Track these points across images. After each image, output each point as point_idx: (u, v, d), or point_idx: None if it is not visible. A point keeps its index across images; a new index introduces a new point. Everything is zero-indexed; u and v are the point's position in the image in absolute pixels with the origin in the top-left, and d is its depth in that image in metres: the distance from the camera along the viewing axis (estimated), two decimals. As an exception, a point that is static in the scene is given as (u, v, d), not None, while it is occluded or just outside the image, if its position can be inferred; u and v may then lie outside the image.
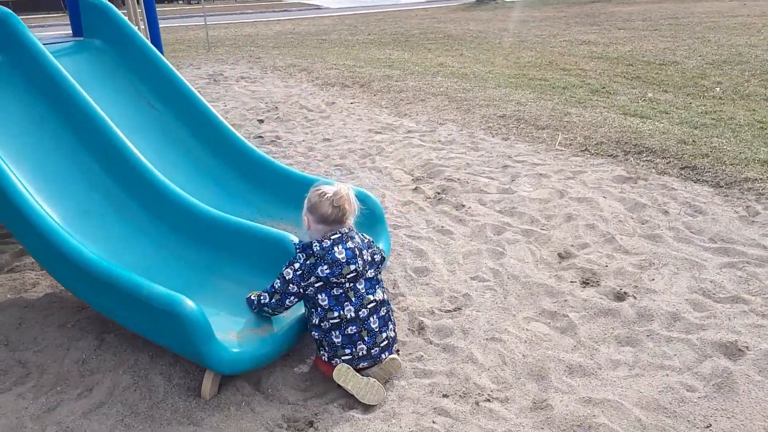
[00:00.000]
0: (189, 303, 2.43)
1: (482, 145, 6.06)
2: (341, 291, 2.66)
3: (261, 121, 7.40)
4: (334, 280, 2.64)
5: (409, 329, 3.15)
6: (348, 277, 2.66)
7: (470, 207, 4.58)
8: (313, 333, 2.72)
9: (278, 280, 2.68)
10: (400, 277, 3.64)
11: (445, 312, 3.29)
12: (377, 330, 2.71)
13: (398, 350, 2.93)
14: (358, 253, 2.71)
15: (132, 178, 3.34)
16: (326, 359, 2.70)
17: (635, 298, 3.28)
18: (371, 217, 3.48)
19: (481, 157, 5.73)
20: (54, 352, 2.96)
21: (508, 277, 3.57)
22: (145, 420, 2.51)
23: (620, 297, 3.30)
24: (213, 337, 2.46)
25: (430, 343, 3.03)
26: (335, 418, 2.52)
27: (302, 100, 8.36)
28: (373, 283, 2.77)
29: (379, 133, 6.68)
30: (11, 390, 2.72)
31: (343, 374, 2.63)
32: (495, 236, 4.10)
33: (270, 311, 2.75)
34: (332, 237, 2.69)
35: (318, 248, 2.66)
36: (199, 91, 9.31)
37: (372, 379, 2.63)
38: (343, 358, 2.66)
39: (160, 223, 3.30)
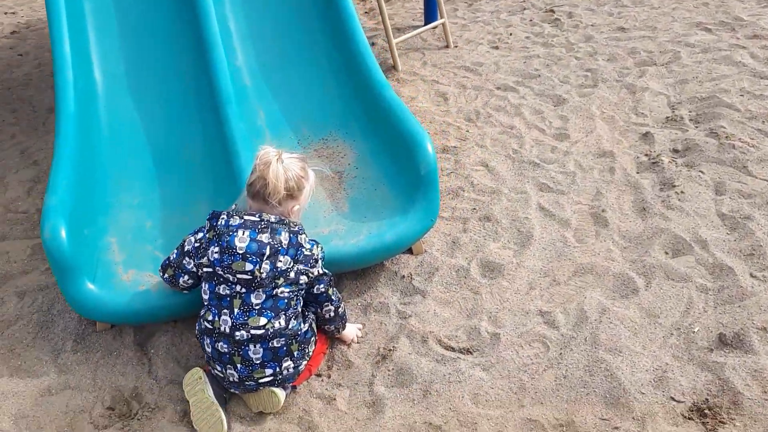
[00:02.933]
0: (55, 230, 2.11)
1: None
2: (228, 292, 1.94)
3: (578, -11, 5.86)
4: (220, 272, 1.94)
5: (371, 353, 2.23)
6: (239, 277, 1.92)
7: (684, 192, 2.85)
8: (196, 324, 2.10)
9: (176, 250, 2.08)
10: (451, 267, 2.56)
11: (444, 348, 2.22)
12: (258, 363, 1.96)
13: (295, 385, 2.11)
14: (268, 253, 1.91)
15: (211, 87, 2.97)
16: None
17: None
18: (413, 173, 2.45)
19: (822, 106, 3.43)
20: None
21: (588, 341, 2.16)
22: (40, 326, 2.41)
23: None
24: (70, 274, 2.12)
25: (370, 384, 2.11)
26: (157, 422, 2.01)
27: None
28: (280, 306, 1.95)
29: (708, 31, 4.57)
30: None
31: (192, 384, 2.03)
32: (661, 258, 2.49)
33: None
34: (246, 216, 1.95)
35: (223, 223, 1.96)
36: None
37: (216, 408, 1.97)
38: (214, 371, 2.03)
39: (213, 134, 2.90)
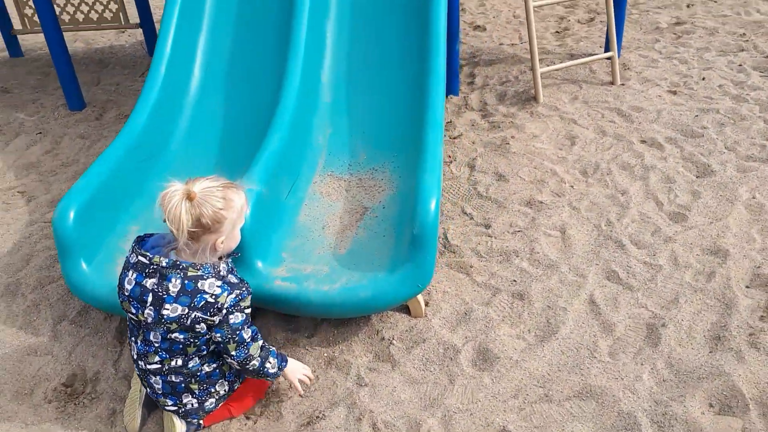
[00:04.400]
0: (63, 212, 2.29)
1: None
2: (134, 323, 1.91)
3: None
4: (122, 306, 1.92)
5: (306, 412, 2.06)
6: (129, 316, 1.89)
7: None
8: None
9: None
10: (441, 344, 2.23)
11: (373, 434, 1.95)
12: (159, 392, 1.93)
13: (205, 424, 2.01)
14: (150, 300, 1.79)
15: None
16: None
17: None
18: (407, 231, 2.19)
19: None
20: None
21: (532, 484, 1.72)
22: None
23: None
24: (68, 252, 2.29)
25: (276, 446, 1.94)
26: (87, 413, 2.11)
27: None
28: (175, 350, 1.84)
29: None
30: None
31: (137, 380, 2.07)
32: (695, 411, 1.88)
33: None
34: (140, 257, 1.83)
35: (127, 255, 1.90)
36: None
37: (137, 406, 2.01)
38: None
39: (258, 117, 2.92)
